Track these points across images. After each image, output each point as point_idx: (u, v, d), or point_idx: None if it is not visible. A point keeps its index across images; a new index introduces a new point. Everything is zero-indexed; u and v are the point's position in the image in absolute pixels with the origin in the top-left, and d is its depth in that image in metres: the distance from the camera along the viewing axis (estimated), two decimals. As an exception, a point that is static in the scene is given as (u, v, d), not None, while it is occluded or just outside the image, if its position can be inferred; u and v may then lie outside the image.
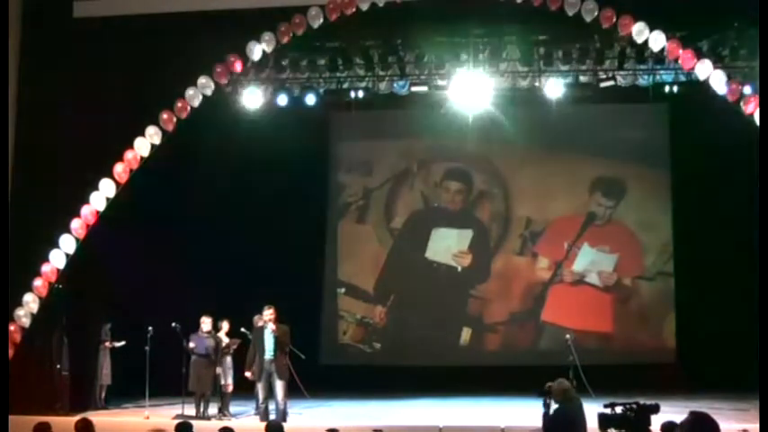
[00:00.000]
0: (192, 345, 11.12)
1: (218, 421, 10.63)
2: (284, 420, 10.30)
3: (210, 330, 11.38)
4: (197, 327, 11.36)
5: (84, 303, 11.54)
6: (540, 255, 14.83)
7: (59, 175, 11.32)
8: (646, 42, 10.59)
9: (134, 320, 12.10)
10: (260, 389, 10.63)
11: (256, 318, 11.51)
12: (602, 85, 12.05)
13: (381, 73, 12.28)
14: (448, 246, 15.02)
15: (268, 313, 10.59)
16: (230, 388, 11.44)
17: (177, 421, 7.06)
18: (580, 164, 14.83)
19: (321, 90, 12.39)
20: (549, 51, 11.86)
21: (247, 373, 10.79)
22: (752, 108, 10.27)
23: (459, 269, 15.02)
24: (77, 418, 7.25)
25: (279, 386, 10.51)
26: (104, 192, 11.03)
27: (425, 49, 12.08)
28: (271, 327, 10.55)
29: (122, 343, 12.09)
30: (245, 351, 11.49)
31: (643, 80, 12.07)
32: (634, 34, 10.51)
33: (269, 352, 10.58)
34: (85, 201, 11.00)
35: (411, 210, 15.23)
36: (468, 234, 15.00)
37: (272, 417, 10.38)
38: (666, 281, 14.47)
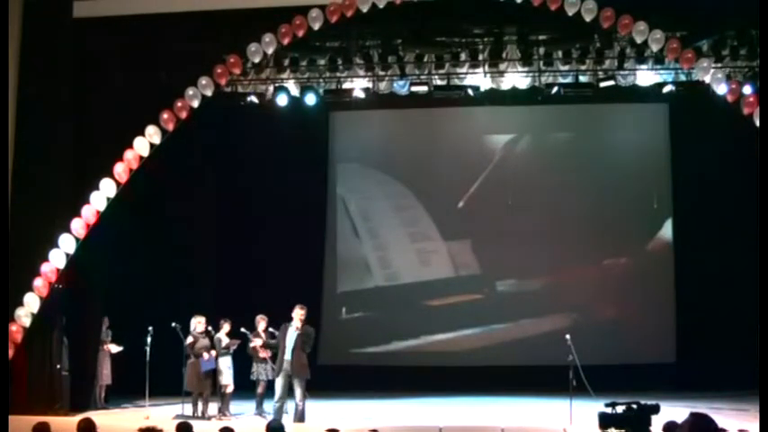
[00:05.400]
0: (206, 356, 11.15)
1: (218, 421, 10.64)
2: (302, 420, 10.33)
3: (205, 330, 11.35)
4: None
5: (84, 303, 11.53)
6: (538, 254, 14.83)
7: (60, 175, 11.33)
8: (646, 42, 10.60)
9: (134, 320, 12.10)
10: (278, 386, 10.54)
11: (258, 318, 11.54)
12: (602, 85, 12.04)
13: (381, 73, 12.27)
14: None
15: (300, 313, 10.53)
16: (230, 388, 11.44)
17: (177, 421, 7.05)
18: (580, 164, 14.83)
19: (321, 90, 12.38)
20: (549, 51, 11.86)
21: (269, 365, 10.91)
22: (751, 109, 10.27)
23: (460, 270, 15.05)
24: (77, 418, 7.25)
25: (297, 385, 10.48)
26: (105, 191, 11.03)
27: (425, 49, 12.07)
28: (296, 325, 10.53)
29: (120, 348, 12.08)
30: (245, 351, 11.53)
31: (643, 80, 12.07)
32: (634, 34, 10.51)
33: (288, 351, 10.56)
34: (86, 200, 11.00)
35: (412, 209, 15.22)
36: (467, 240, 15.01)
37: (288, 416, 10.39)
38: (667, 280, 14.46)
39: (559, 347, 10.87)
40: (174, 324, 11.17)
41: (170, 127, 11.17)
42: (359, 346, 15.05)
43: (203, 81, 11.10)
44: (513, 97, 12.87)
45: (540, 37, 11.79)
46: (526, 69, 11.98)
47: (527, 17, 11.06)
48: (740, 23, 10.99)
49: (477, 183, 15.04)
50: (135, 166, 11.14)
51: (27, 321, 10.79)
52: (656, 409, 4.54)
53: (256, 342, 11.31)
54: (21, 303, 10.75)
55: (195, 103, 11.19)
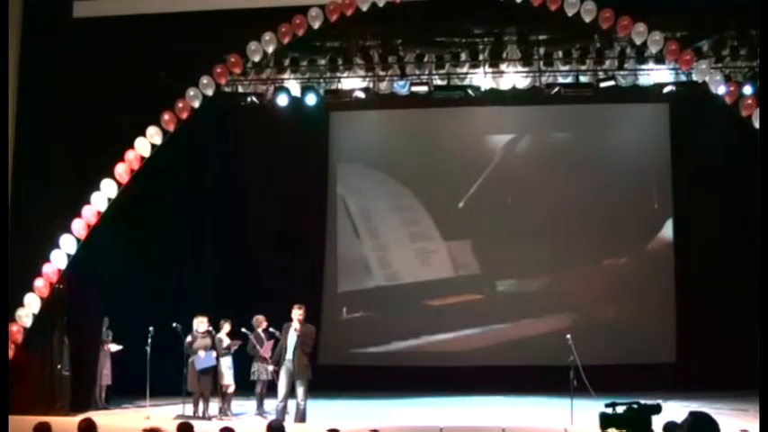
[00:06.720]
0: (201, 353, 11.14)
1: (218, 421, 10.65)
2: (303, 420, 10.34)
3: (208, 330, 11.34)
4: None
5: (84, 303, 11.53)
6: (539, 254, 14.82)
7: (60, 176, 11.33)
8: (645, 43, 10.60)
9: (134, 320, 12.10)
10: (281, 386, 10.56)
11: (257, 318, 11.54)
12: (602, 85, 12.05)
13: (381, 73, 12.28)
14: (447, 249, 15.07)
15: (298, 313, 10.52)
16: (231, 388, 11.45)
17: (178, 421, 7.06)
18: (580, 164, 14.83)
19: (321, 90, 12.39)
20: (549, 51, 11.87)
21: (270, 367, 10.92)
22: (749, 111, 10.26)
23: (460, 270, 15.05)
24: (78, 418, 7.26)
25: (299, 386, 10.48)
26: (106, 192, 11.02)
27: (425, 49, 12.08)
28: (294, 326, 10.52)
29: (119, 347, 12.08)
30: (245, 351, 11.53)
31: (643, 80, 12.08)
32: (633, 36, 10.51)
33: (290, 351, 10.54)
34: (87, 201, 11.00)
35: (412, 209, 15.21)
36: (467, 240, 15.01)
37: (290, 416, 10.40)
38: (667, 280, 14.46)
39: (560, 347, 10.88)
40: (174, 324, 11.18)
41: (171, 128, 11.16)
42: (359, 346, 15.05)
43: (204, 81, 11.10)
44: (513, 97, 12.88)
45: (540, 37, 11.81)
46: (526, 69, 11.99)
47: (527, 17, 11.06)
48: (740, 23, 10.99)
49: (477, 183, 15.03)
50: (136, 166, 11.13)
51: (28, 322, 10.78)
52: (657, 409, 4.53)
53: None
54: (22, 304, 10.75)
55: (196, 104, 11.19)
